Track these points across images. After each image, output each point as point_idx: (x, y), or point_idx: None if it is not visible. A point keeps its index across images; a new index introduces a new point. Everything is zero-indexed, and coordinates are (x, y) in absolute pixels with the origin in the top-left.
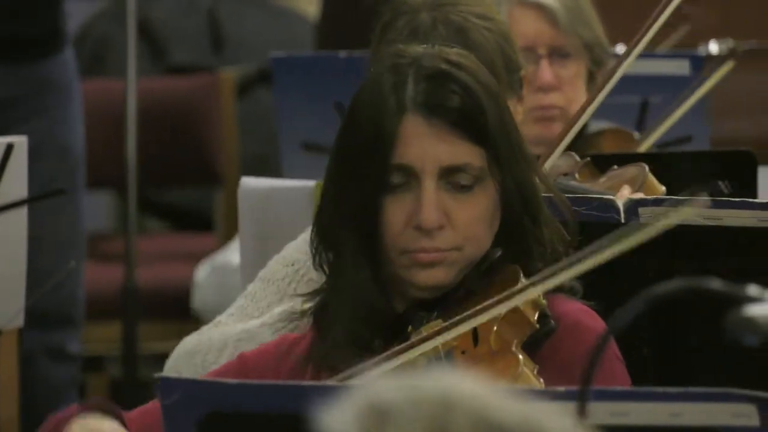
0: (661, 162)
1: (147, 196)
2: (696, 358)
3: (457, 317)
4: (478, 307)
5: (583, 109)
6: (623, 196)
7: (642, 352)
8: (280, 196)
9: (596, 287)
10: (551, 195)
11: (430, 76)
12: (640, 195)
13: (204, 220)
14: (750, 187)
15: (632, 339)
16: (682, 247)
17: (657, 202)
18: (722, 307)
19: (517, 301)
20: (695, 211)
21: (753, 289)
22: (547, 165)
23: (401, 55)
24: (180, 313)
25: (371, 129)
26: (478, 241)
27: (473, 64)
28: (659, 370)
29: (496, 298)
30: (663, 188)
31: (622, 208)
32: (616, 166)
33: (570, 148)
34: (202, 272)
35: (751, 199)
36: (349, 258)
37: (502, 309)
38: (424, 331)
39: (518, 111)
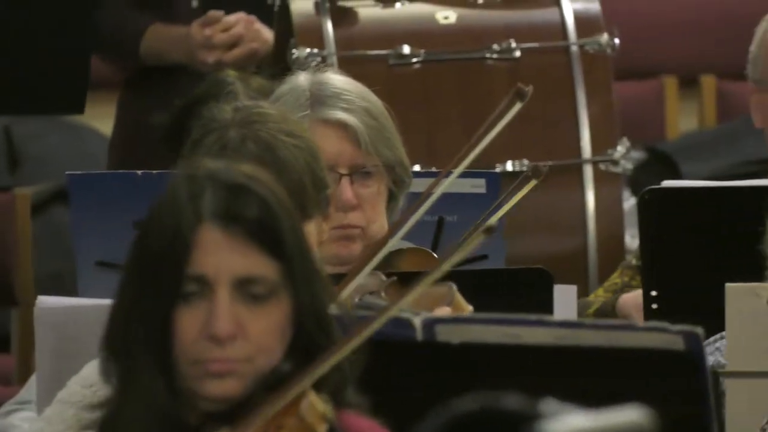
0: (459, 280)
1: None
2: None
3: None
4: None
5: (393, 229)
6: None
7: None
8: (77, 314)
9: (389, 407)
10: (342, 315)
11: (227, 186)
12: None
13: (0, 340)
14: (546, 305)
15: None
16: (478, 365)
17: (455, 321)
18: (519, 424)
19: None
20: (493, 328)
21: (549, 406)
22: (353, 284)
23: (198, 167)
24: None
25: (167, 238)
26: (270, 353)
27: (269, 180)
28: None
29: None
30: (470, 308)
31: (419, 327)
32: None
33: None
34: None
35: (548, 317)
36: (140, 368)
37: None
38: None
39: (324, 230)
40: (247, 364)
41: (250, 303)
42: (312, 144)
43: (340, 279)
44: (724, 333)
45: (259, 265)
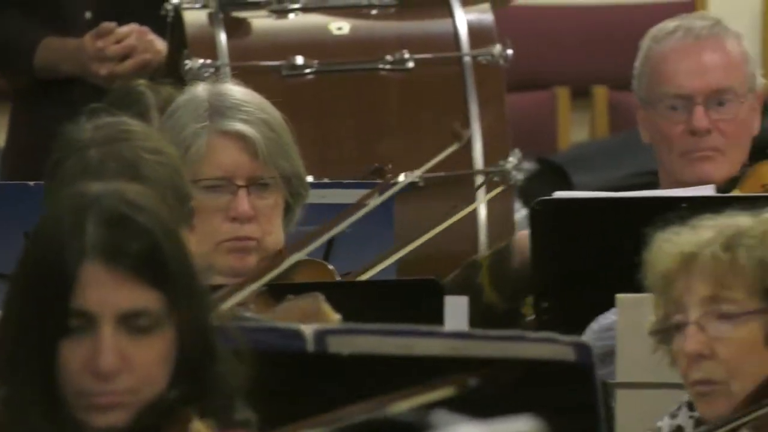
0: (349, 292)
1: None
2: None
3: None
4: None
5: (293, 248)
6: None
7: None
8: None
9: (279, 421)
10: (227, 326)
11: (109, 220)
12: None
13: None
14: (437, 316)
15: None
16: (370, 376)
17: (347, 331)
18: None
19: None
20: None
21: (440, 416)
22: (238, 298)
23: (80, 195)
24: None
25: (50, 272)
26: (155, 382)
27: (153, 204)
28: None
29: None
30: (337, 316)
31: (310, 338)
32: (291, 296)
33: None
34: None
35: (439, 328)
36: (24, 396)
37: None
38: None
39: (191, 241)
40: (132, 395)
41: (135, 335)
42: (175, 159)
43: (219, 290)
44: None
45: (143, 298)
